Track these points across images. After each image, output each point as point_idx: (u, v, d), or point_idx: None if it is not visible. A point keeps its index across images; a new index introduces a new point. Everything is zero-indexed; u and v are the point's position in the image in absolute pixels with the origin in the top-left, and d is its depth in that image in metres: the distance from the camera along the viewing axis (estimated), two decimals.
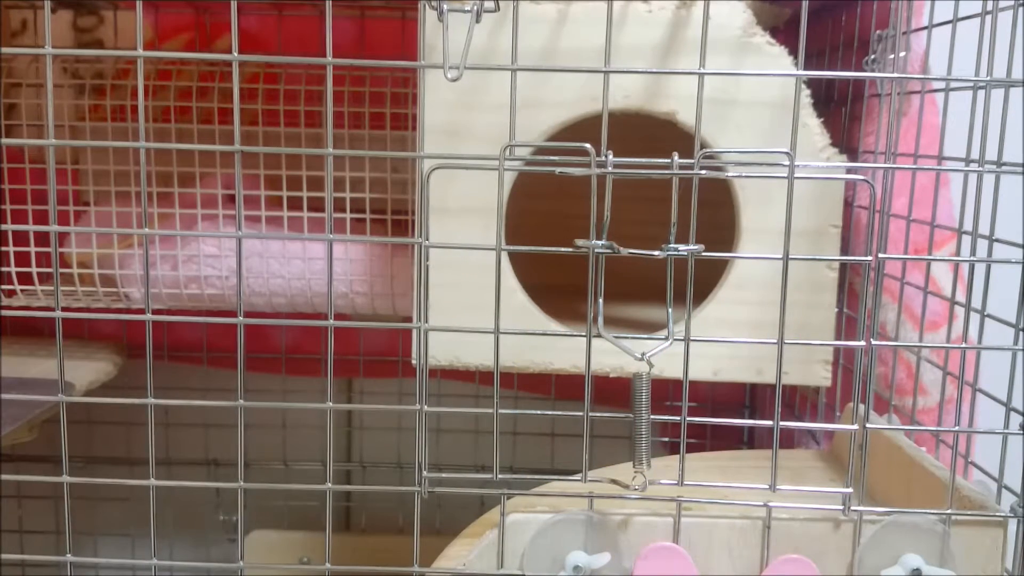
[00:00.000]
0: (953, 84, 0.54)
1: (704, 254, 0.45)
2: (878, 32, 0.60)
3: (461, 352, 0.59)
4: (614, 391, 0.72)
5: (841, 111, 0.70)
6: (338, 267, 0.73)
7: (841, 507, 0.48)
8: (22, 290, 0.73)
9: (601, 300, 0.45)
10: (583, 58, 0.56)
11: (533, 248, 0.48)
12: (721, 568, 0.49)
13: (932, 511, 0.49)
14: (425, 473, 0.48)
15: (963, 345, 0.52)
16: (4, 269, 0.72)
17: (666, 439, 0.88)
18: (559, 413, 0.50)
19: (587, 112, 0.57)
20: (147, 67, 0.80)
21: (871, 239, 0.48)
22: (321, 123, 0.76)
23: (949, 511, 0.48)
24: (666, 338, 0.45)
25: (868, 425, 0.50)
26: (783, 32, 0.72)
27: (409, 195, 0.74)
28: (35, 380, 0.70)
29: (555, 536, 0.49)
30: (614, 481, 0.48)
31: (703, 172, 0.45)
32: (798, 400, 0.77)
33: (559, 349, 0.59)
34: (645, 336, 0.47)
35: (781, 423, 0.47)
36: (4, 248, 0.71)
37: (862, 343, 0.47)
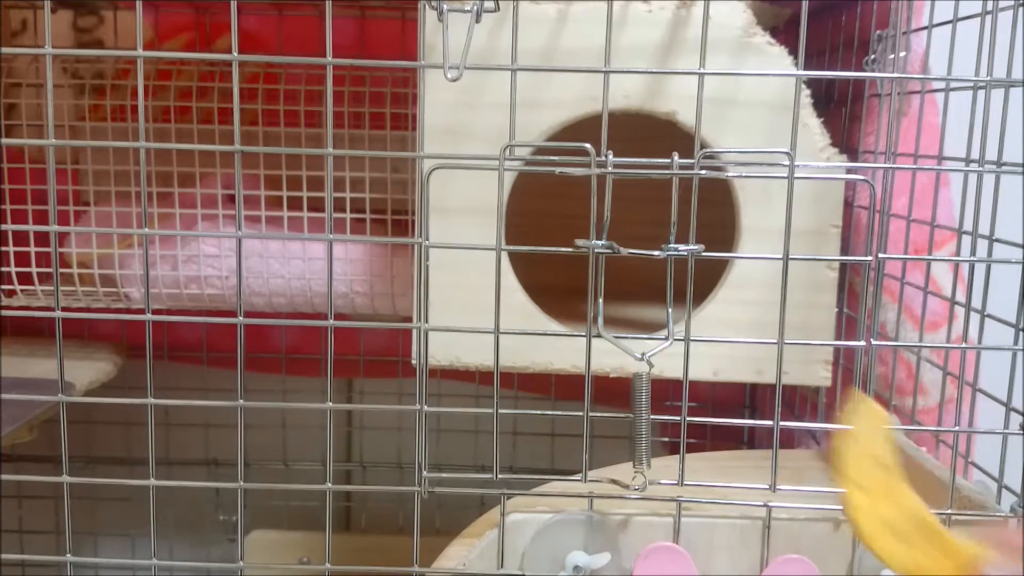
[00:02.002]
0: (953, 84, 0.54)
1: (704, 254, 0.45)
2: (878, 32, 0.60)
3: (461, 352, 0.59)
4: (614, 391, 0.72)
5: (841, 111, 0.70)
6: (338, 267, 0.73)
7: (841, 507, 0.48)
8: (22, 290, 0.73)
9: (601, 300, 0.45)
10: (583, 58, 0.56)
11: (533, 248, 0.49)
12: (721, 568, 0.49)
13: (932, 511, 0.49)
14: (425, 473, 0.48)
15: (963, 345, 0.52)
16: (4, 269, 0.72)
17: (666, 439, 0.88)
18: (559, 413, 0.50)
19: (587, 112, 0.57)
20: (147, 67, 0.80)
21: (871, 239, 0.48)
22: (321, 123, 0.76)
23: (949, 511, 0.48)
24: (666, 338, 0.45)
25: None
26: (783, 32, 0.72)
27: (409, 195, 0.74)
28: (35, 380, 0.70)
29: (555, 536, 0.49)
30: (614, 481, 0.48)
31: (703, 172, 0.45)
32: (798, 400, 0.77)
33: (559, 349, 0.59)
34: (645, 336, 0.47)
35: (781, 423, 0.47)
36: (4, 248, 0.71)
37: (862, 343, 0.47)
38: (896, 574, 0.33)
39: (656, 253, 0.45)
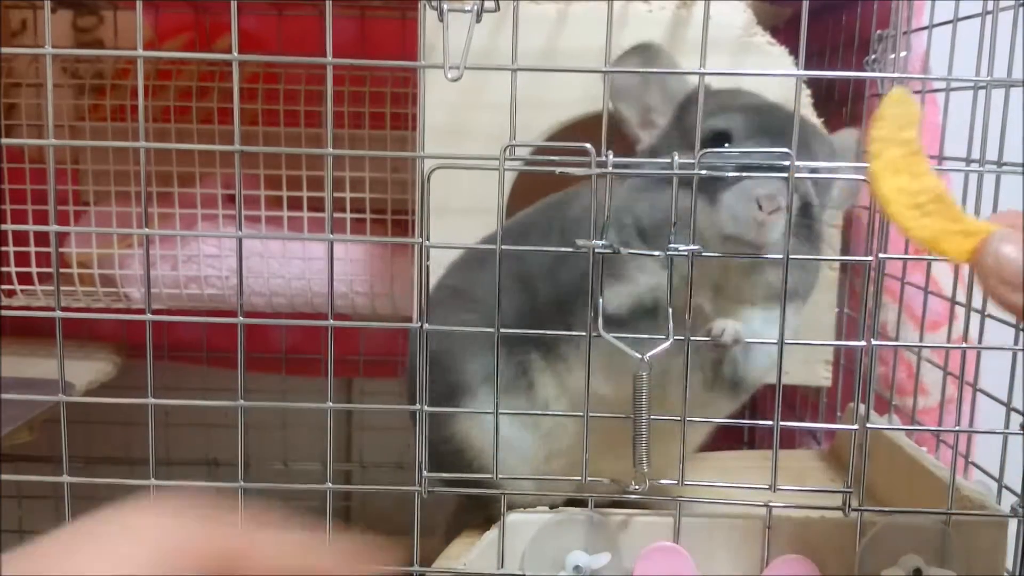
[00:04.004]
0: (954, 84, 0.54)
1: (704, 254, 0.45)
2: (878, 32, 0.60)
3: None
4: None
5: (842, 111, 0.70)
6: (338, 267, 0.73)
7: (841, 507, 0.48)
8: (22, 290, 0.73)
9: (601, 300, 0.45)
10: (583, 58, 0.56)
11: (533, 248, 0.48)
12: (721, 568, 0.49)
13: (932, 511, 0.49)
14: (425, 473, 0.48)
15: (963, 345, 0.52)
16: (4, 269, 0.72)
17: None
18: (559, 413, 0.50)
19: (587, 112, 0.57)
20: (147, 67, 0.79)
21: (871, 239, 0.48)
22: (321, 123, 0.76)
23: (949, 511, 0.48)
24: (666, 338, 0.45)
25: (869, 425, 0.50)
26: (783, 32, 0.72)
27: (409, 195, 0.74)
28: (35, 380, 0.70)
29: (555, 536, 0.49)
30: (614, 481, 0.48)
31: (703, 172, 0.45)
32: (799, 400, 0.77)
33: None
34: (645, 336, 0.47)
35: (781, 423, 0.47)
36: (4, 248, 0.71)
37: (862, 343, 0.47)
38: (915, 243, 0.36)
39: (657, 253, 0.45)
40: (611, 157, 0.44)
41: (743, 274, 0.48)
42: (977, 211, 0.50)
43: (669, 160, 0.45)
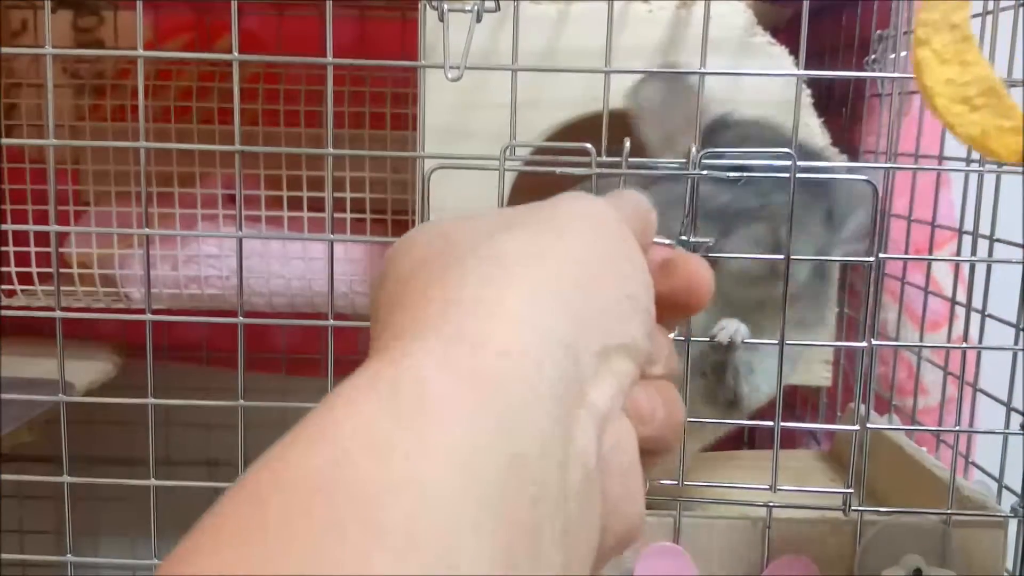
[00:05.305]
0: None
1: (716, 254, 0.45)
2: (878, 32, 0.60)
3: None
4: None
5: (842, 111, 0.70)
6: (338, 267, 0.73)
7: (841, 507, 0.48)
8: (22, 290, 0.73)
9: None
10: (584, 58, 0.56)
11: None
12: (721, 568, 0.49)
13: (932, 511, 0.49)
14: None
15: (963, 345, 0.52)
16: (4, 269, 0.72)
17: None
18: None
19: (587, 112, 0.57)
20: (147, 67, 0.79)
21: (872, 239, 0.48)
22: (321, 123, 0.76)
23: (949, 511, 0.48)
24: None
25: (869, 425, 0.50)
26: (784, 32, 0.72)
27: (409, 195, 0.74)
28: (35, 380, 0.70)
29: None
30: None
31: (703, 172, 0.45)
32: (799, 400, 0.77)
33: None
34: None
35: (781, 423, 0.47)
36: (4, 248, 0.71)
37: (863, 343, 0.47)
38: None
39: (668, 242, 0.45)
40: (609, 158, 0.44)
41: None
42: (977, 211, 0.50)
43: (669, 160, 0.45)
